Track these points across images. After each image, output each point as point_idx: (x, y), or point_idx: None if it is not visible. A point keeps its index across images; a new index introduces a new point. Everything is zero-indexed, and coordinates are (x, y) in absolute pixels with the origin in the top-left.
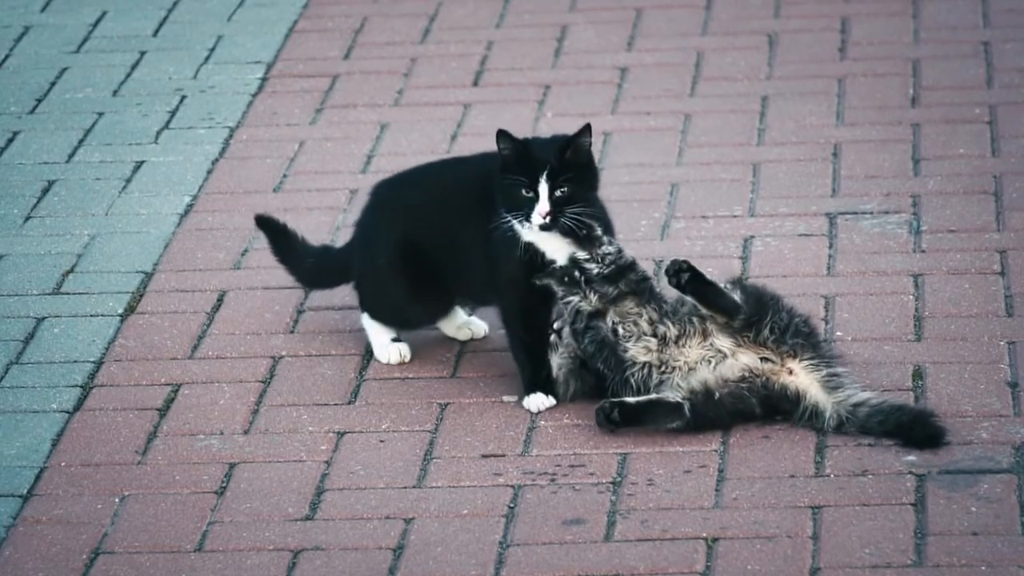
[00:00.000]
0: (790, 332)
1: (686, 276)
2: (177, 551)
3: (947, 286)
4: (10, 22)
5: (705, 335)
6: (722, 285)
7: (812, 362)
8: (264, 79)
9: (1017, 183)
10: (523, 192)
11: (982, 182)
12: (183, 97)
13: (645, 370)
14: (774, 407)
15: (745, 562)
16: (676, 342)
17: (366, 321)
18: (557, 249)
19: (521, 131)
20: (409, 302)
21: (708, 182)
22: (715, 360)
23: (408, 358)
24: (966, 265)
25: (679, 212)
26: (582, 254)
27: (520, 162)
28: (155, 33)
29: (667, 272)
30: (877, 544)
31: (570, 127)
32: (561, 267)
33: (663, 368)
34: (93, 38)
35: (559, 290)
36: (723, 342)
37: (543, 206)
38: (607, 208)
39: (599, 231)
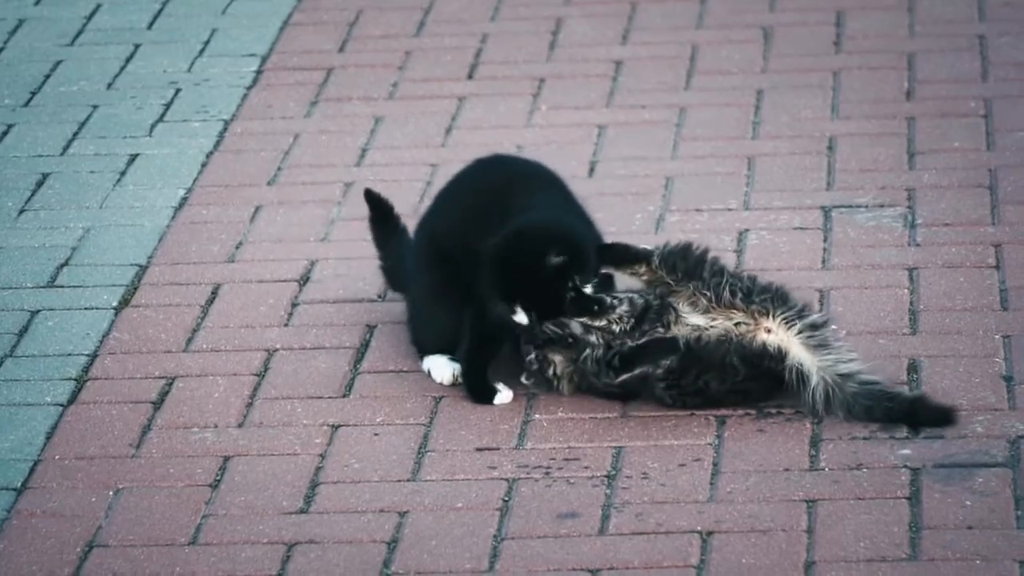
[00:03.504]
0: (756, 291)
1: None
2: (171, 544)
3: (942, 280)
4: (4, 15)
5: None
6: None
7: (786, 316)
8: (259, 72)
9: (1012, 177)
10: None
11: (977, 176)
12: (177, 90)
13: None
14: (756, 365)
15: (740, 555)
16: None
17: (425, 363)
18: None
19: (516, 125)
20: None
21: (703, 175)
22: (698, 332)
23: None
24: (961, 259)
25: (674, 205)
26: (597, 322)
27: (502, 278)
28: (149, 26)
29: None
30: (872, 538)
31: (566, 121)
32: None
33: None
34: (87, 31)
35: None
36: (697, 320)
37: (521, 318)
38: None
39: (608, 300)
